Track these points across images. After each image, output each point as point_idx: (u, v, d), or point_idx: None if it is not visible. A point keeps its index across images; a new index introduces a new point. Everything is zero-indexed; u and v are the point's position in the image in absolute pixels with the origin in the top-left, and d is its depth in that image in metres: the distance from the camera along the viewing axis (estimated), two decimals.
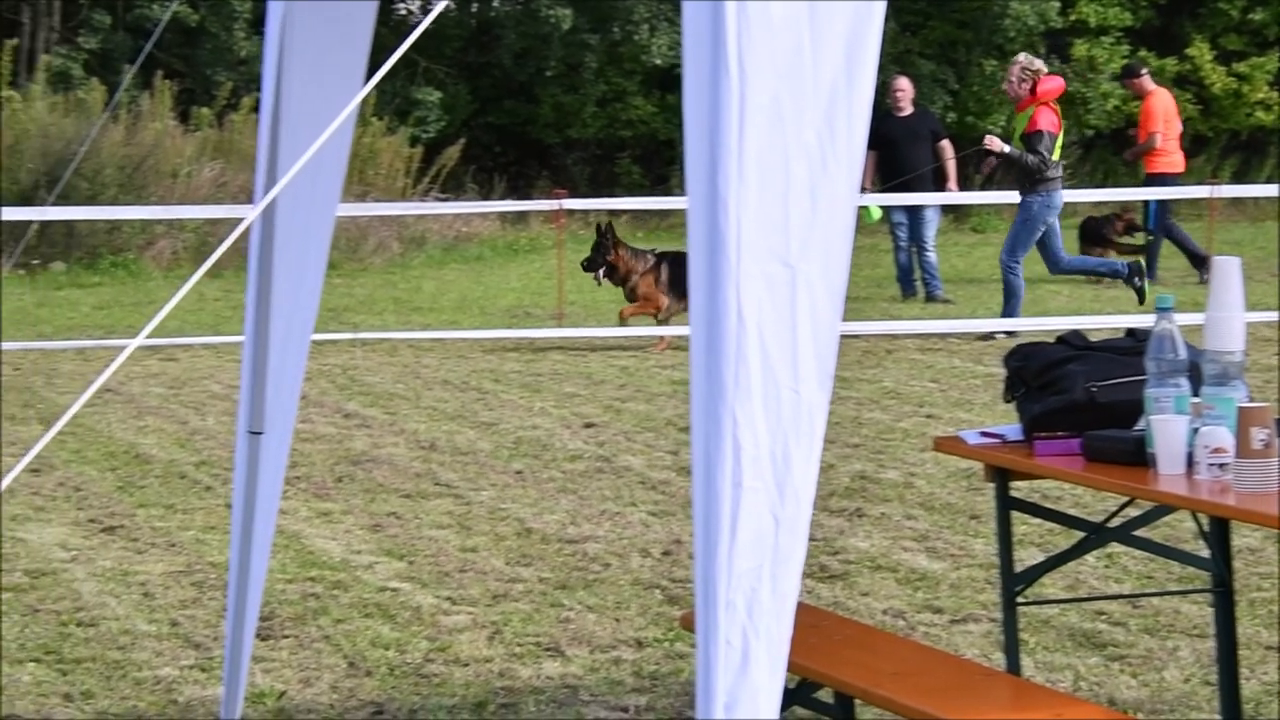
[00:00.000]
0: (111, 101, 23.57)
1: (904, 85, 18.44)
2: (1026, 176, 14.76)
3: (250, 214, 4.55)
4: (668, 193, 27.88)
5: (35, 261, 21.20)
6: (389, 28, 28.70)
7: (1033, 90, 14.81)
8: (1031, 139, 14.67)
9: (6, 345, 14.72)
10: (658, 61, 29.12)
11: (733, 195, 3.25)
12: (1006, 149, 15.00)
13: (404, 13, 30.17)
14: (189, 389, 12.65)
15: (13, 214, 19.34)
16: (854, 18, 3.32)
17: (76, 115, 23.58)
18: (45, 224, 19.91)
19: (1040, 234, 14.84)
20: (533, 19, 28.89)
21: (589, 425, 11.03)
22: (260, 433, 5.07)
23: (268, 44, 4.78)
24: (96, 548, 7.94)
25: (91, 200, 20.74)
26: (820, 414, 3.33)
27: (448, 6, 30.03)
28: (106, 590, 7.22)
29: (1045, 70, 15.18)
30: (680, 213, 26.30)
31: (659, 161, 30.13)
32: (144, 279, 20.86)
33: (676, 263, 15.03)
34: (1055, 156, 14.79)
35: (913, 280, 17.74)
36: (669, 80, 29.91)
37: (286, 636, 6.57)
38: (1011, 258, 15.01)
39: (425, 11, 31.10)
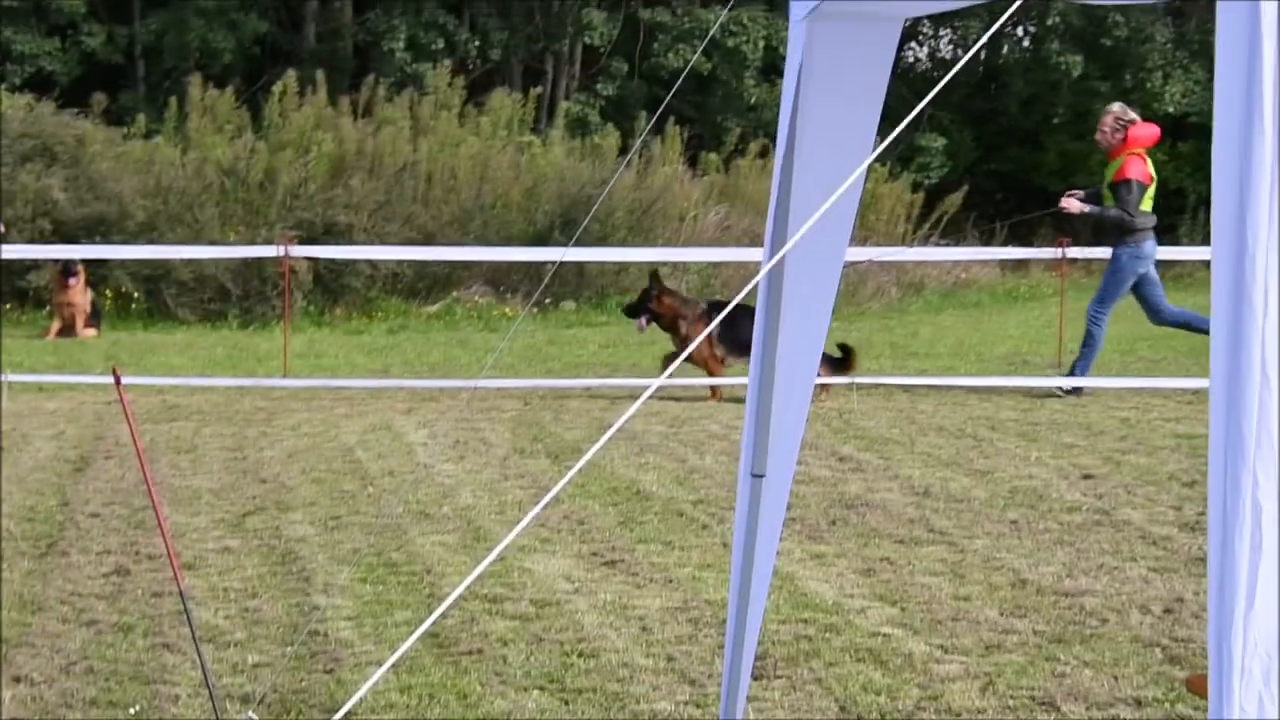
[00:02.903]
0: (628, 147, 24.33)
1: None
2: (1113, 230, 14.57)
3: (764, 267, 4.63)
4: (1174, 242, 27.19)
5: (548, 300, 22.03)
6: (895, 75, 28.81)
7: (1124, 139, 14.50)
8: (1119, 188, 14.43)
9: (520, 382, 15.31)
10: (1170, 109, 28.47)
11: (1261, 250, 3.13)
12: (1086, 209, 14.75)
13: (911, 60, 30.25)
14: (688, 428, 12.90)
15: (530, 254, 20.13)
16: None
17: (591, 160, 24.41)
18: (558, 264, 20.62)
19: (1129, 285, 14.61)
20: (1042, 66, 28.62)
21: (1087, 476, 10.81)
22: (762, 475, 5.12)
23: (785, 93, 4.86)
24: (598, 580, 8.15)
25: (602, 242, 21.43)
26: None
27: (956, 56, 30.02)
28: (606, 623, 7.40)
29: (1138, 120, 14.78)
30: (1186, 263, 25.83)
31: (1168, 210, 29.35)
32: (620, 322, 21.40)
33: (728, 314, 14.68)
34: (1147, 207, 14.50)
35: None
36: (1181, 128, 29.18)
37: (780, 677, 6.63)
38: (1099, 308, 14.70)
39: (932, 60, 31.12)
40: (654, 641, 7.12)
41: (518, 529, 4.13)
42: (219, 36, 27.80)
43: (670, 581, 8.13)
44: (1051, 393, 14.76)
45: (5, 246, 19.45)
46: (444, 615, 7.29)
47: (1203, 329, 15.57)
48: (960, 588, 7.99)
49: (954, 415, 13.56)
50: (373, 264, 21.53)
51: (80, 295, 19.40)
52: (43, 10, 27.54)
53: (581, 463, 3.96)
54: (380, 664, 6.33)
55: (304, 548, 8.62)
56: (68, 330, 19.27)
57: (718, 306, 15.02)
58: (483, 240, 22.12)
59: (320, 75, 24.64)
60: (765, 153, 24.61)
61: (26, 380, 14.74)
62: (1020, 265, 25.60)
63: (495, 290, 22.33)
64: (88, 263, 19.55)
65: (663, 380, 4.42)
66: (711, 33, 28.51)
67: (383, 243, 21.27)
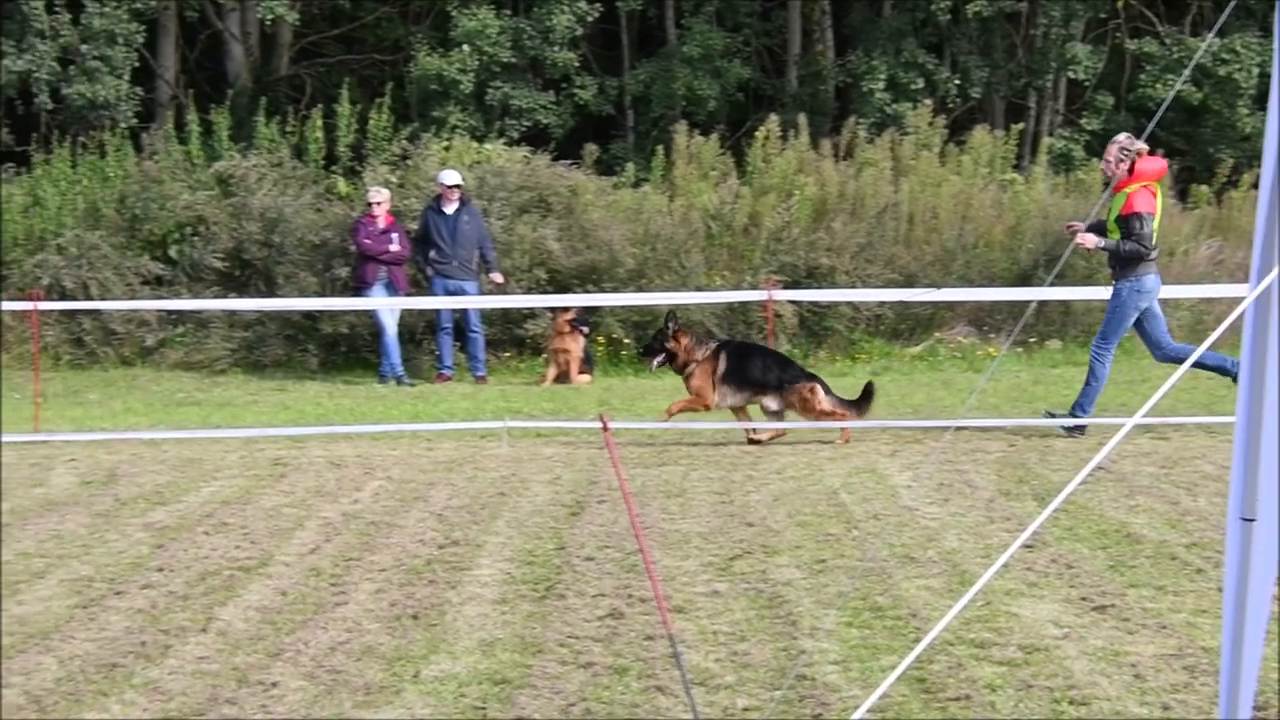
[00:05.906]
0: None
1: None
2: (1125, 263, 14.02)
3: (1247, 297, 4.51)
4: None
5: (1032, 339, 21.75)
6: None
7: (1131, 170, 13.94)
8: (1129, 221, 13.96)
9: (1005, 421, 15.15)
10: None
11: None
12: (1101, 243, 14.08)
13: None
14: (1180, 469, 12.57)
15: (1012, 294, 19.93)
16: None
17: (1075, 196, 24.04)
18: (1043, 303, 20.36)
19: (1132, 320, 14.16)
20: None
21: None
22: (1253, 520, 4.98)
23: (1270, 119, 4.73)
24: (1087, 626, 8.01)
25: (1088, 280, 21.05)
26: None
27: None
28: (1097, 670, 7.26)
29: (1146, 150, 14.02)
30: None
31: None
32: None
33: (738, 353, 14.31)
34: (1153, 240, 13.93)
35: None
36: None
37: None
38: (1102, 344, 14.23)
39: None
40: (1148, 690, 6.96)
41: (995, 566, 4.13)
42: (704, 84, 28.38)
43: (1164, 628, 7.94)
44: (1056, 431, 14.55)
45: (505, 297, 20.26)
46: (931, 660, 7.29)
47: (1209, 366, 14.53)
48: None
49: None
50: (854, 306, 21.64)
51: (575, 342, 20.05)
52: (538, 66, 28.60)
53: (1060, 499, 3.93)
54: (866, 709, 6.35)
55: (790, 591, 8.73)
56: (563, 377, 19.93)
57: (728, 345, 14.88)
58: (965, 280, 22.00)
59: (802, 119, 24.93)
60: (1259, 183, 23.80)
61: (525, 426, 15.31)
62: None
63: (979, 330, 22.16)
64: (581, 310, 20.21)
65: (1138, 419, 4.35)
66: (1195, 59, 27.76)
67: (865, 285, 21.36)
